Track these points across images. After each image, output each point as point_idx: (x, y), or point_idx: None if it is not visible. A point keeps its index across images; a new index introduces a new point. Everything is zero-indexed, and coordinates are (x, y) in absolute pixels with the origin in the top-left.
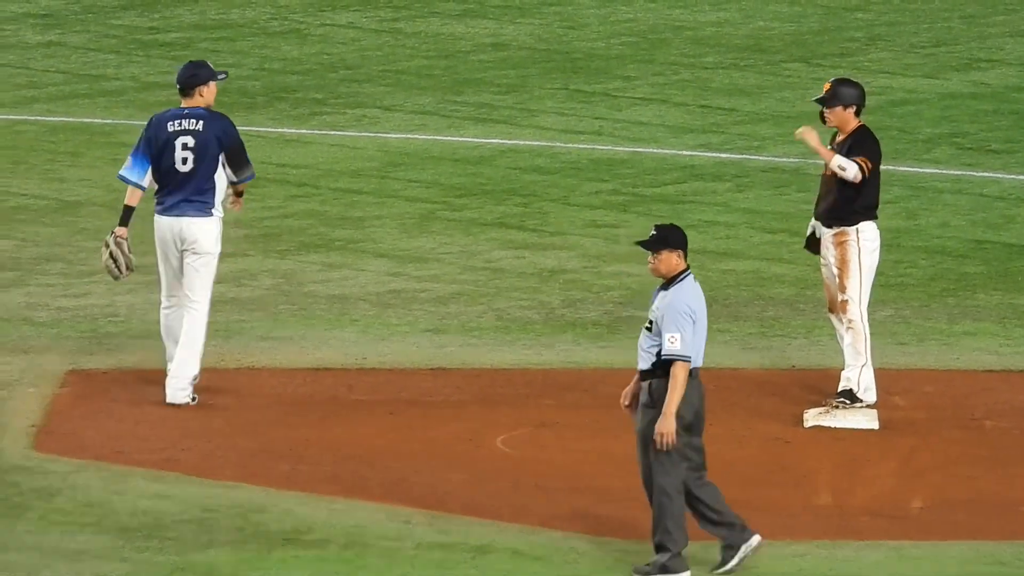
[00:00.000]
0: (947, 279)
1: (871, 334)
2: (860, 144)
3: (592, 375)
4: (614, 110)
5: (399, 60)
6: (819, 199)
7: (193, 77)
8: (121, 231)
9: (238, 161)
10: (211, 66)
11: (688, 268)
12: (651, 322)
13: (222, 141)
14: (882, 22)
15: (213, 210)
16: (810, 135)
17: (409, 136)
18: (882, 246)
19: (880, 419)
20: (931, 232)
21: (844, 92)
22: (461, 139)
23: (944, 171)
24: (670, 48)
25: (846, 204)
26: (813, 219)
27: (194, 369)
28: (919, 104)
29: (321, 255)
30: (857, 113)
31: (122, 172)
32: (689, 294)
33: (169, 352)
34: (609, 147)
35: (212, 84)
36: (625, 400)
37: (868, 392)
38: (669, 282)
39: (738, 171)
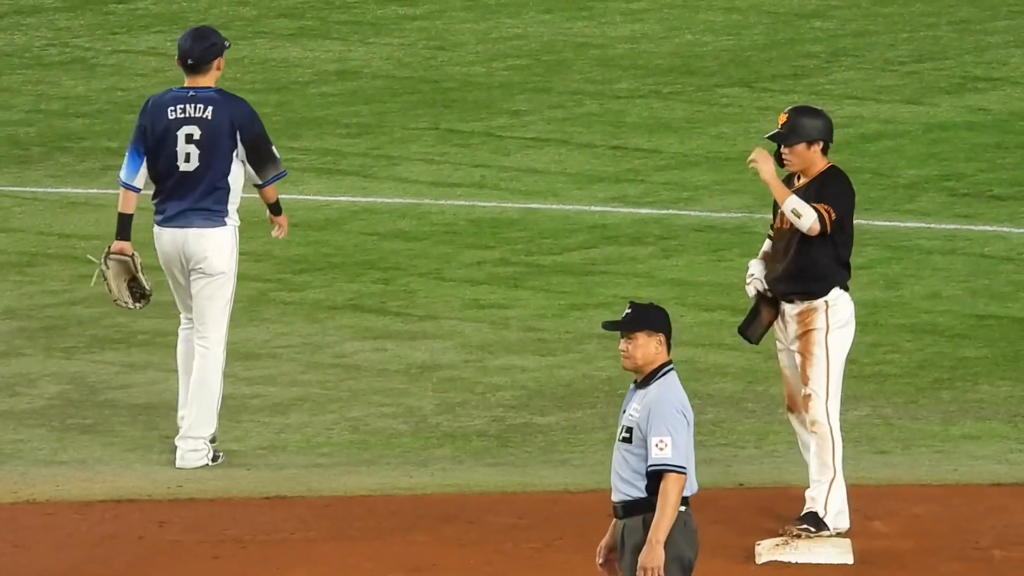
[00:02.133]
0: (940, 366)
1: (844, 440)
2: (826, 189)
3: (478, 502)
4: (500, 155)
5: None
6: (771, 262)
7: (212, 49)
8: (121, 246)
9: (260, 156)
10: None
11: (671, 362)
12: (629, 430)
13: (239, 131)
14: (847, 32)
15: (227, 219)
16: (764, 163)
17: None
18: (856, 324)
19: (856, 551)
20: (918, 305)
21: (806, 124)
22: (300, 197)
23: (933, 225)
24: (571, 72)
25: (810, 268)
26: (754, 289)
27: (210, 427)
28: (898, 138)
29: (120, 353)
30: (825, 151)
31: (120, 173)
32: (679, 392)
33: (183, 390)
34: (494, 203)
35: (223, 57)
36: (600, 557)
37: (840, 516)
38: (649, 377)
39: (663, 231)
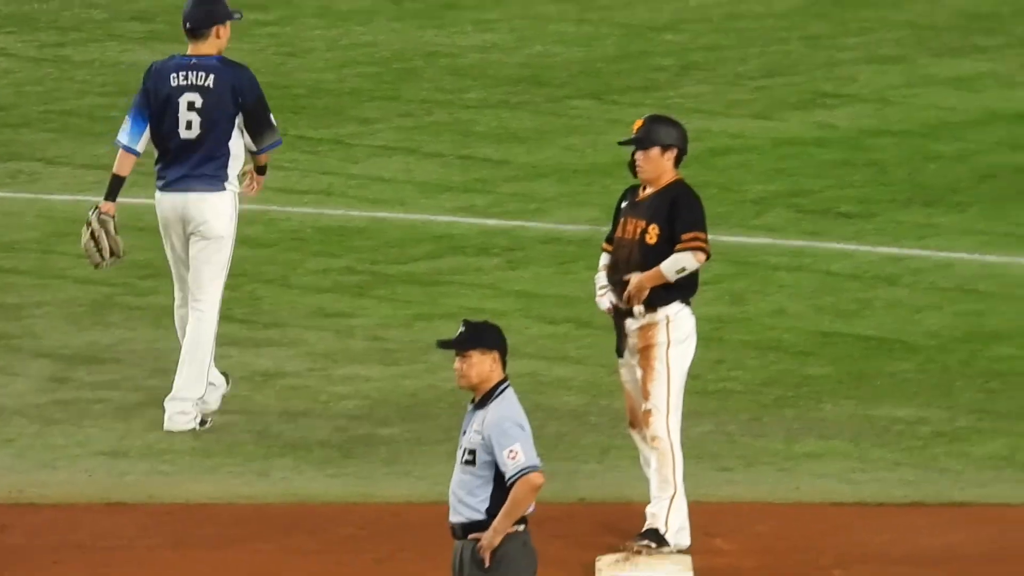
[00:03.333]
0: (784, 383)
1: (685, 456)
2: (681, 207)
3: (321, 512)
4: (348, 162)
5: (66, 98)
6: (612, 274)
7: (210, 14)
8: (107, 207)
9: (258, 123)
10: (229, 7)
11: (507, 379)
12: (472, 453)
13: (239, 97)
14: (698, 46)
15: (227, 184)
16: (639, 285)
17: (80, 197)
18: (698, 339)
19: (697, 568)
20: (763, 322)
21: (661, 131)
22: (149, 201)
23: (780, 241)
24: (421, 81)
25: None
26: (608, 302)
27: (200, 389)
28: (747, 153)
29: None
30: (678, 161)
31: (118, 135)
32: (517, 408)
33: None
34: (341, 211)
35: (228, 25)
36: None
37: (681, 533)
38: (486, 397)
39: (510, 242)
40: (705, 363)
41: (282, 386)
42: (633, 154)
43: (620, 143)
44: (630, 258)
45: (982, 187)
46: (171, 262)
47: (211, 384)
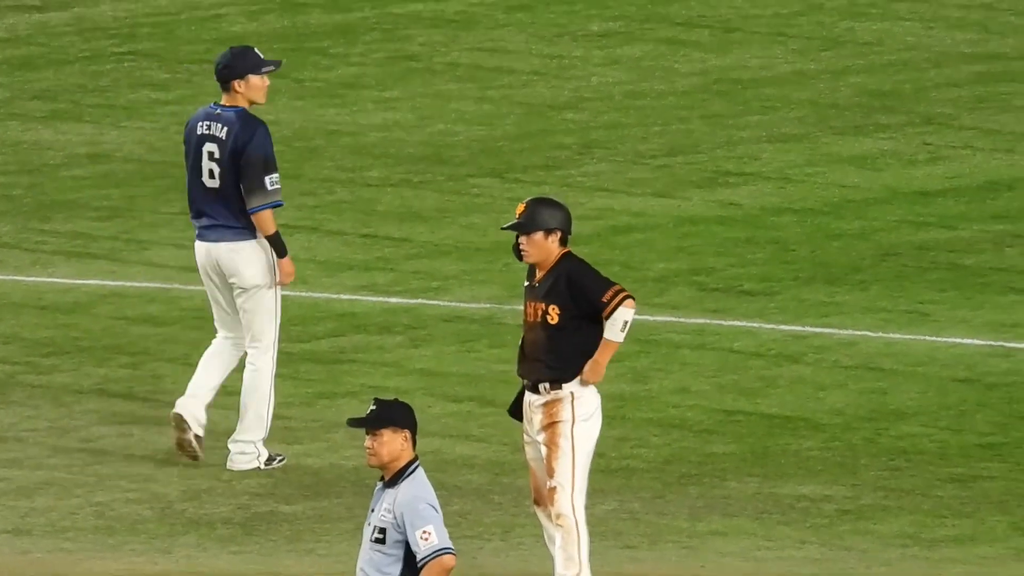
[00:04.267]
0: (688, 461)
1: (590, 534)
2: (578, 280)
3: None
4: None
5: None
6: (521, 350)
7: (229, 68)
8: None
9: (249, 180)
10: (258, 53)
11: (417, 458)
12: (382, 531)
13: (241, 151)
14: (600, 124)
15: (256, 233)
16: (595, 372)
17: None
18: (604, 418)
19: None
20: (666, 399)
21: (544, 214)
22: (50, 280)
23: (683, 319)
24: (323, 159)
25: (554, 354)
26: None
27: (260, 431)
28: (649, 231)
29: None
30: (563, 242)
31: None
32: (428, 489)
33: (196, 376)
34: None
35: (252, 78)
36: None
37: None
38: (396, 476)
39: (413, 320)
40: (608, 441)
41: (185, 464)
42: (517, 238)
43: (504, 228)
44: (536, 340)
45: (884, 265)
46: (212, 306)
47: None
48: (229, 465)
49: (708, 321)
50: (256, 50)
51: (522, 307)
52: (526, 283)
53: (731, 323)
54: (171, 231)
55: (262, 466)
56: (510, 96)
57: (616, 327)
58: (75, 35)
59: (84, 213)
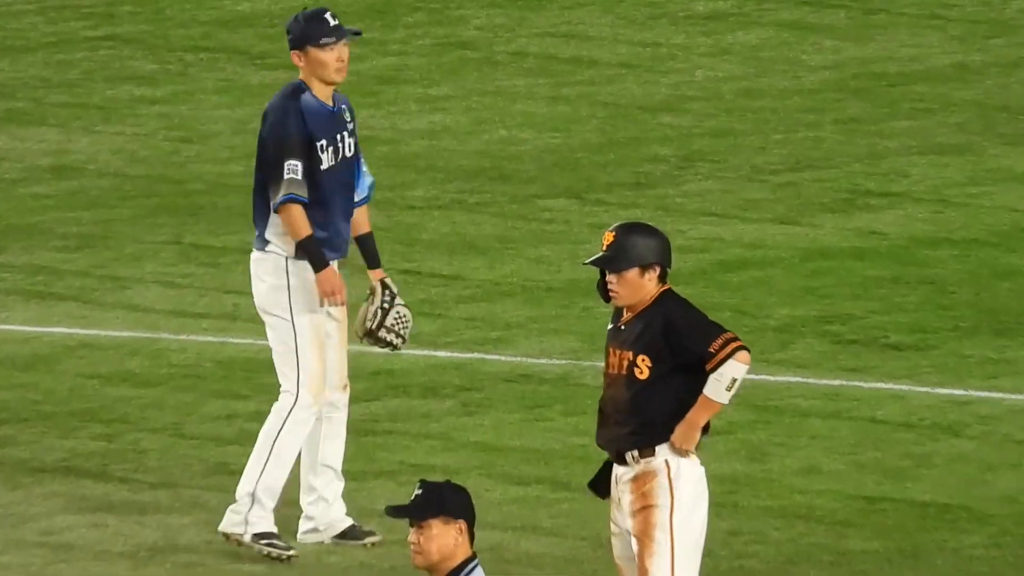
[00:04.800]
0: (817, 561)
1: None
2: (681, 325)
3: None
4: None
5: None
6: (601, 411)
7: (289, 37)
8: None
9: (268, 166)
10: (326, 19)
11: (475, 556)
12: None
13: (263, 135)
14: (706, 130)
15: (269, 244)
16: (686, 437)
17: None
18: (711, 504)
19: None
20: (790, 482)
21: (638, 245)
22: (3, 327)
23: (811, 380)
24: None
25: (642, 416)
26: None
27: (249, 486)
28: (768, 267)
29: None
30: (662, 278)
31: None
32: None
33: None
34: (250, 340)
35: (312, 51)
36: None
37: None
38: None
39: (466, 380)
40: (717, 535)
41: (174, 563)
42: (603, 275)
43: (586, 264)
44: (620, 398)
45: None
46: None
47: (322, 499)
48: (221, 526)
49: (844, 383)
50: (328, 15)
51: (603, 357)
52: (610, 326)
53: (873, 385)
54: (158, 265)
55: (250, 541)
56: (591, 95)
57: (722, 385)
58: (36, 15)
59: (47, 242)
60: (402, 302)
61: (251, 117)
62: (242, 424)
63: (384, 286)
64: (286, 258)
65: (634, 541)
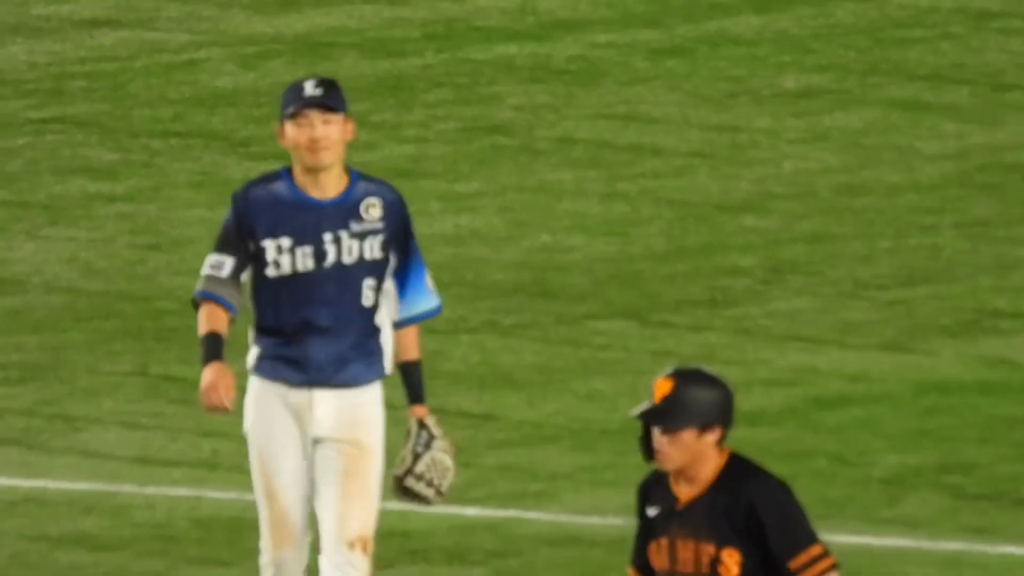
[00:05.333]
0: None
1: None
2: (770, 513)
3: None
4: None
5: None
6: None
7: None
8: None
9: None
10: (299, 87)
11: None
12: None
13: None
14: (797, 235)
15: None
16: None
17: None
18: None
19: None
20: None
21: (700, 400)
22: None
23: (926, 543)
24: None
25: None
26: None
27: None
28: (873, 405)
29: None
30: (722, 440)
31: None
32: None
33: None
34: (235, 495)
35: (285, 125)
36: None
37: None
38: None
39: (500, 543)
40: None
41: None
42: (647, 429)
43: (637, 416)
44: None
45: None
46: None
47: None
48: None
49: (967, 546)
50: (311, 82)
51: (649, 544)
52: (652, 506)
53: (1002, 550)
54: (119, 401)
55: None
56: (655, 191)
57: None
58: None
59: None
60: (443, 447)
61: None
62: None
63: (422, 426)
64: (254, 375)
65: None
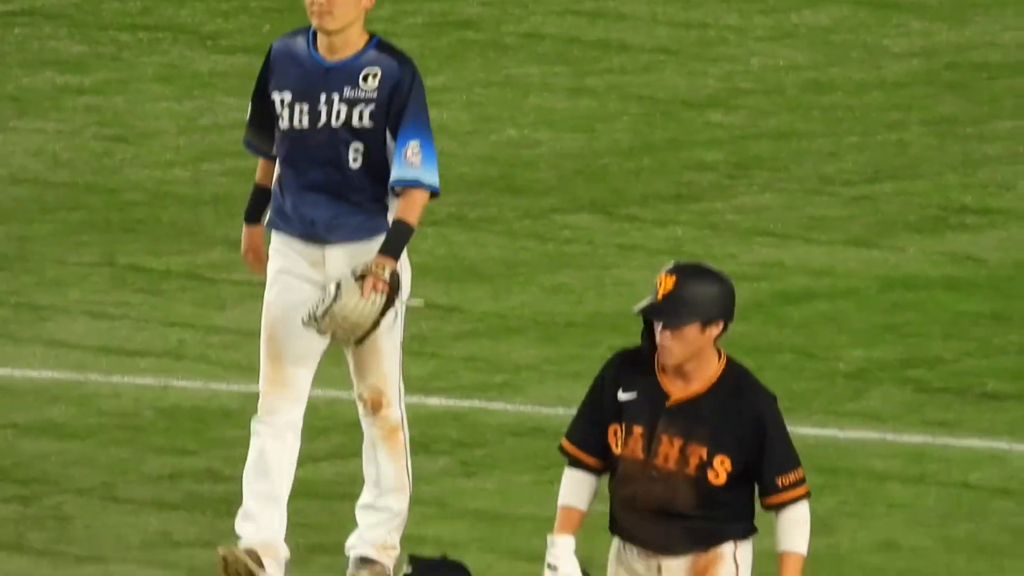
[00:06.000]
0: None
1: None
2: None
3: None
4: (212, 308)
5: None
6: (626, 504)
7: None
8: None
9: None
10: None
11: None
12: None
13: None
14: (764, 131)
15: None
16: None
17: None
18: None
19: None
20: (864, 560)
21: (703, 294)
22: None
23: (891, 436)
24: None
25: (710, 518)
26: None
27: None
28: (840, 300)
29: None
30: (720, 336)
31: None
32: None
33: None
34: (200, 383)
35: None
36: None
37: None
38: None
39: (465, 434)
40: None
41: None
42: (650, 323)
43: (639, 312)
44: (674, 500)
45: None
46: None
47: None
48: None
49: (930, 440)
50: None
51: (610, 426)
52: (626, 389)
53: (966, 443)
54: (86, 291)
55: None
56: (622, 87)
57: (803, 539)
58: None
59: None
60: (341, 281)
61: (199, 111)
62: (189, 486)
63: (338, 285)
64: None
65: None
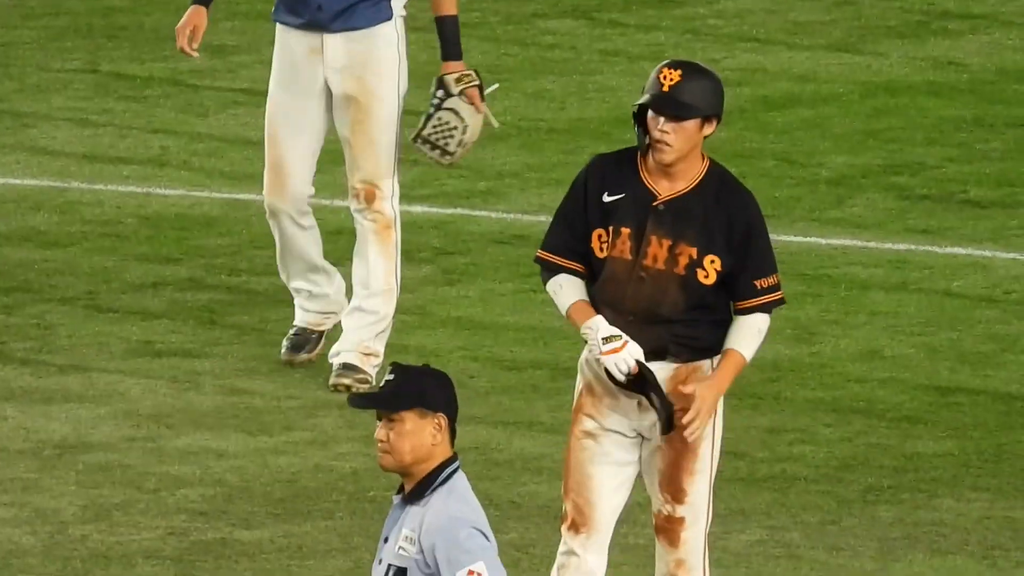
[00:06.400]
0: (878, 467)
1: None
2: (756, 226)
3: None
4: (194, 115)
5: None
6: (609, 304)
7: None
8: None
9: None
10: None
11: (456, 457)
12: (401, 572)
13: None
14: None
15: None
16: (711, 404)
17: None
18: (746, 398)
19: None
20: (845, 369)
21: (705, 91)
22: None
23: (873, 243)
24: None
25: (700, 323)
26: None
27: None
28: (821, 106)
29: None
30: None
31: None
32: (473, 506)
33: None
34: (182, 191)
35: None
36: None
37: None
38: (423, 485)
39: (446, 241)
40: (754, 433)
41: (87, 464)
42: (645, 115)
43: (643, 103)
44: (662, 301)
45: None
46: None
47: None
48: None
49: (912, 247)
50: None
51: (610, 233)
52: (611, 192)
53: (948, 250)
54: (68, 98)
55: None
56: None
57: (756, 341)
58: None
59: None
60: (453, 105)
61: None
62: (172, 294)
63: (440, 84)
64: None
65: (665, 452)
